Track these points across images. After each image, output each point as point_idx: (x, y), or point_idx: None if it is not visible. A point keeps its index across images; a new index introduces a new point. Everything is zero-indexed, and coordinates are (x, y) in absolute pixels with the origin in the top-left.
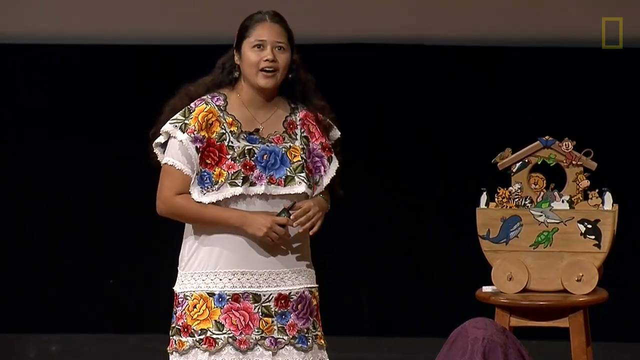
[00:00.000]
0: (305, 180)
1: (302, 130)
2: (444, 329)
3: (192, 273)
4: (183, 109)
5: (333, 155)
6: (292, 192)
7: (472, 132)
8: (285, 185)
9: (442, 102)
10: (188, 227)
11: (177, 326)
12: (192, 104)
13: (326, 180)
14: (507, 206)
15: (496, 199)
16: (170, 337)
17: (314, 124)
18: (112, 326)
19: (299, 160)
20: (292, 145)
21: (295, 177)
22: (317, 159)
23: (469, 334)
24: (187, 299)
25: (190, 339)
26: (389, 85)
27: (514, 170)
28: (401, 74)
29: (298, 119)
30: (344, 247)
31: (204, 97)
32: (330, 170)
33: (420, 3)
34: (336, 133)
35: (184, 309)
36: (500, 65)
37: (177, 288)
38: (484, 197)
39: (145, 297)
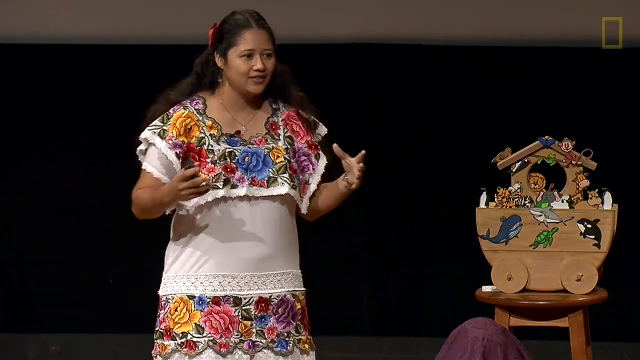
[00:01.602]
0: (288, 181)
1: (285, 131)
2: (444, 329)
3: (174, 276)
4: (162, 115)
5: (320, 152)
6: (275, 194)
7: (472, 132)
8: (268, 187)
9: (441, 102)
10: (172, 231)
11: (160, 330)
12: (171, 110)
13: (316, 179)
14: (507, 206)
15: (496, 199)
16: (155, 341)
17: (298, 122)
18: (112, 326)
19: (282, 161)
20: (275, 146)
21: (279, 179)
22: (304, 157)
23: (469, 334)
24: (169, 302)
25: (173, 342)
26: (388, 85)
27: (514, 170)
28: (400, 74)
29: (280, 119)
30: (344, 247)
31: (183, 102)
32: (319, 168)
33: (419, 3)
34: (323, 130)
35: (166, 312)
36: (500, 65)
37: (160, 291)
38: (484, 197)
39: (144, 297)
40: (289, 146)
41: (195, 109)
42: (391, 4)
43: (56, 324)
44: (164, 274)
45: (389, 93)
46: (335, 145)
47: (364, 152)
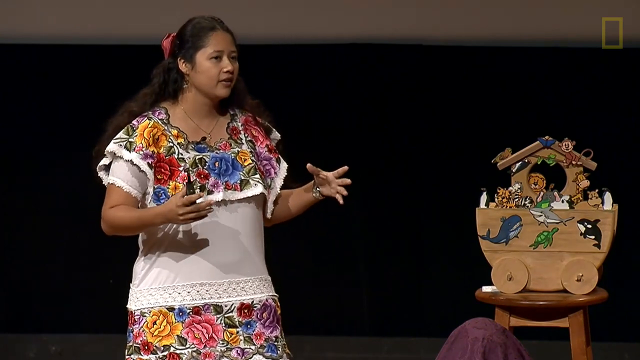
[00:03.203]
0: (260, 182)
1: (246, 135)
2: (444, 329)
3: (148, 289)
4: (126, 127)
5: (279, 156)
6: (250, 195)
7: (472, 132)
8: (241, 190)
9: (441, 102)
10: (141, 243)
11: (135, 344)
12: (134, 122)
13: (279, 182)
14: (507, 206)
15: (496, 199)
16: (127, 357)
17: (256, 127)
18: (112, 326)
19: (250, 163)
20: (240, 150)
21: (250, 180)
22: (265, 161)
23: (469, 334)
24: (145, 316)
25: (153, 356)
26: (388, 85)
27: (514, 170)
28: (400, 74)
29: (240, 124)
30: (344, 247)
31: (146, 113)
32: (280, 172)
33: (419, 3)
34: (277, 135)
35: (141, 326)
36: (500, 65)
37: (131, 305)
38: (484, 197)
39: None
40: (252, 149)
41: (159, 119)
42: (391, 4)
43: (56, 324)
44: (133, 287)
45: (389, 93)
46: (309, 165)
47: (345, 167)
